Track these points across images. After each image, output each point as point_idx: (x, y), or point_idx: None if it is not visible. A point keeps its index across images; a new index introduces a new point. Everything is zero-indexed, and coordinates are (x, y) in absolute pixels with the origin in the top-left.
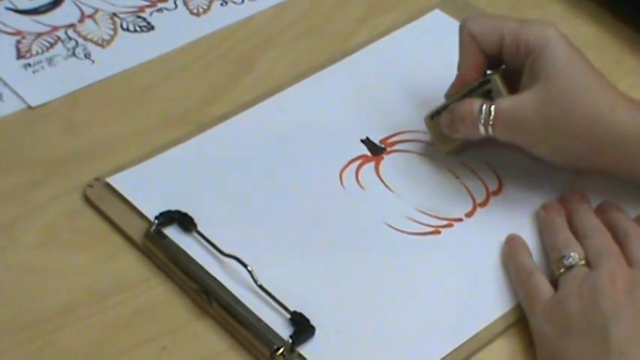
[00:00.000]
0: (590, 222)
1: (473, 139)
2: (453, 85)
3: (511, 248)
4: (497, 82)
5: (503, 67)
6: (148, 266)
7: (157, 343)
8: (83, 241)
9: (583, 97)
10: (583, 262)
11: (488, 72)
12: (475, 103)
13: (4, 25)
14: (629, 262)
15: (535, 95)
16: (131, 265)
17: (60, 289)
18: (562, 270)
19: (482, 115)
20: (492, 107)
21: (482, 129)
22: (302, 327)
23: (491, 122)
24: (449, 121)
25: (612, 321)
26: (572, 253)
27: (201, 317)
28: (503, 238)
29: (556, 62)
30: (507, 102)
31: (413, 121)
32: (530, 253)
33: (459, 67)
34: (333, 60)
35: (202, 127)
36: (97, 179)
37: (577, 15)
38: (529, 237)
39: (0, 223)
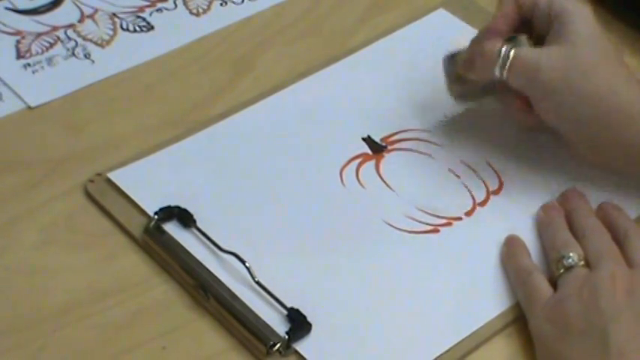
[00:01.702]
0: (590, 222)
1: (484, 82)
2: (480, 32)
3: (510, 249)
4: (524, 39)
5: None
6: (147, 266)
7: (157, 342)
8: (83, 241)
9: (604, 67)
10: (582, 262)
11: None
12: (497, 43)
13: (4, 25)
14: (629, 263)
15: (558, 52)
16: (131, 265)
17: (60, 288)
18: (562, 270)
19: (501, 56)
20: (512, 51)
21: (497, 70)
22: (299, 323)
23: (507, 65)
24: (468, 57)
25: (612, 322)
26: (571, 254)
27: (201, 317)
28: (502, 237)
29: (584, 29)
30: (528, 51)
31: (414, 119)
32: (529, 254)
33: (493, 18)
34: (333, 59)
35: (203, 125)
36: (99, 174)
37: None
38: (529, 237)
39: (0, 223)
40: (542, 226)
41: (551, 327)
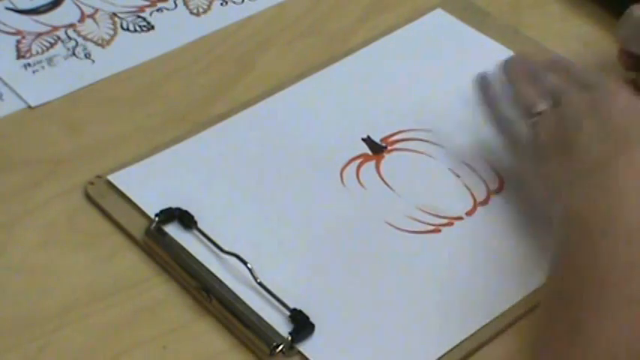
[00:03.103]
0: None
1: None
2: None
3: (487, 97)
4: None
5: None
6: (148, 266)
7: (158, 342)
8: (83, 240)
9: None
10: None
11: None
12: None
13: (4, 24)
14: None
15: None
16: (131, 264)
17: (60, 288)
18: (533, 118)
19: None
20: None
21: None
22: (301, 324)
23: None
24: None
25: (578, 133)
26: (539, 103)
27: (202, 317)
28: (503, 236)
29: None
30: None
31: (414, 119)
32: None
33: None
34: (333, 59)
35: (203, 126)
36: (99, 176)
37: (576, 15)
38: (530, 236)
39: (0, 223)
40: (507, 85)
41: (530, 162)
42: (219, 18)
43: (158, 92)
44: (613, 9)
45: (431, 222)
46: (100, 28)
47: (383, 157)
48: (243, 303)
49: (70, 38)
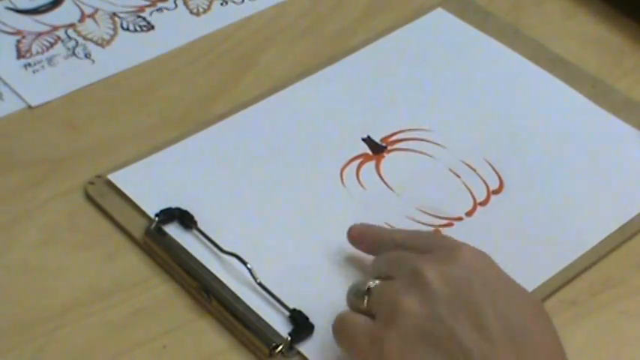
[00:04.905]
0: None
1: None
2: None
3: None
4: None
5: None
6: (148, 265)
7: (158, 342)
8: (83, 240)
9: None
10: (377, 282)
11: None
12: None
13: (4, 24)
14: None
15: None
16: (131, 264)
17: (60, 288)
18: (365, 299)
19: None
20: None
21: None
22: (301, 325)
23: None
24: None
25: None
26: (368, 282)
27: (201, 316)
28: (503, 236)
29: None
30: None
31: (414, 120)
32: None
33: None
34: (333, 59)
35: (203, 125)
36: (99, 176)
37: (576, 15)
38: (531, 234)
39: (0, 223)
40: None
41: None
42: (219, 18)
43: (158, 92)
44: (613, 9)
45: (431, 223)
46: (100, 28)
47: (383, 157)
48: (243, 303)
49: (70, 38)
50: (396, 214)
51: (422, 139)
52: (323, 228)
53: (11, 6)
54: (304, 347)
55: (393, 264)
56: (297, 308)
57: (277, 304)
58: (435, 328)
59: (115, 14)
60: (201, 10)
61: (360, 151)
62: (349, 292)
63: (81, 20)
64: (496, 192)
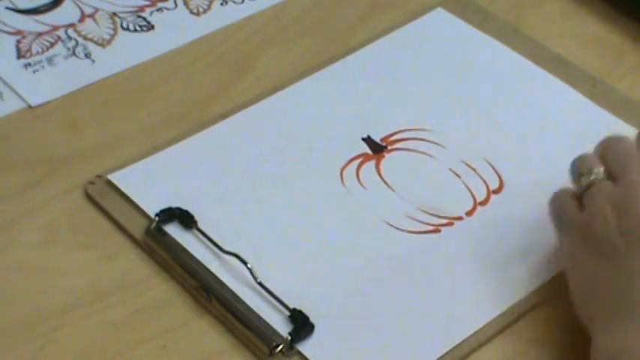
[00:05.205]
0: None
1: None
2: None
3: None
4: None
5: None
6: (148, 265)
7: (158, 341)
8: (83, 240)
9: None
10: (604, 176)
11: None
12: None
13: (4, 24)
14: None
15: None
16: (132, 264)
17: (60, 288)
18: (585, 188)
19: None
20: None
21: None
22: (301, 324)
23: None
24: None
25: (635, 246)
26: (594, 169)
27: (201, 316)
28: (503, 236)
29: None
30: None
31: (414, 120)
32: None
33: None
34: (333, 59)
35: (203, 125)
36: (99, 176)
37: (577, 15)
38: (530, 236)
39: (0, 223)
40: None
41: (581, 251)
42: (220, 18)
43: (158, 92)
44: (613, 9)
45: (431, 222)
46: (100, 28)
47: (383, 156)
48: (243, 303)
49: (70, 38)
50: (396, 214)
51: (422, 139)
52: (323, 228)
53: (11, 6)
54: (304, 347)
55: (618, 164)
56: (297, 308)
57: (277, 304)
58: (621, 243)
59: (115, 14)
60: (201, 10)
61: (360, 151)
62: (576, 163)
63: (81, 20)
64: (496, 192)
